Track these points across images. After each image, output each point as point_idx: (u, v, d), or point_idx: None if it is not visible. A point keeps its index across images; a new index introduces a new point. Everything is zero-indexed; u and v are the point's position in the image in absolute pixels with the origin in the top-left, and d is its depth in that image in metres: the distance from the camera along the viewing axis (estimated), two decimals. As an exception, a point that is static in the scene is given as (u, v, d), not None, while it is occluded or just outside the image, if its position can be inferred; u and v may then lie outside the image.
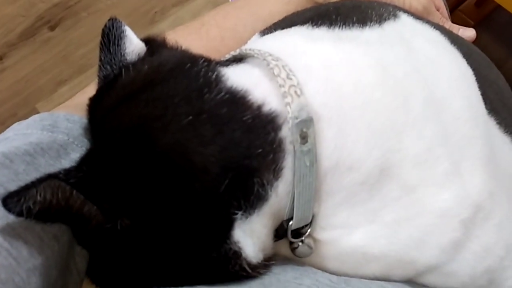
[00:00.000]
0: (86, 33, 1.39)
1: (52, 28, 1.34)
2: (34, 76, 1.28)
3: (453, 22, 0.63)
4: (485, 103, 0.38)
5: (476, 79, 0.38)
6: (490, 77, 0.44)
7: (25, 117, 0.38)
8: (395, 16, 0.39)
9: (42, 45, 1.30)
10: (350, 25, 0.37)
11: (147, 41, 0.37)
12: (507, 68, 1.04)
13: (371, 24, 0.37)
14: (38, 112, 0.38)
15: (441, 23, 0.57)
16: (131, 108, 0.31)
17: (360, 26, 0.37)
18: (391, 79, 0.33)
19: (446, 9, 0.75)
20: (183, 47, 0.38)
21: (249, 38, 0.46)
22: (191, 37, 0.50)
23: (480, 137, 0.35)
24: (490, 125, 0.38)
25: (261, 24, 0.49)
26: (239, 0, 0.55)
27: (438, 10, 0.60)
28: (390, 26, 0.38)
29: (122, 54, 0.35)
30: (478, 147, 0.35)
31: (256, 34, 0.46)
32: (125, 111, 0.31)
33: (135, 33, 0.37)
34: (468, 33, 0.57)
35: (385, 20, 0.38)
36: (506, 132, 0.39)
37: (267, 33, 0.44)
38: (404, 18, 0.40)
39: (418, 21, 0.41)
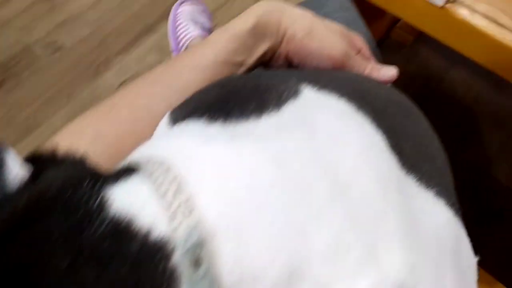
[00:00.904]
0: (29, 93, 1.35)
1: (-7, 93, 1.30)
2: (-21, 145, 1.23)
3: (392, 39, 0.62)
4: (403, 162, 0.37)
5: (390, 137, 0.37)
6: (407, 129, 0.43)
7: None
8: (296, 92, 0.38)
9: (-16, 111, 1.26)
10: (247, 115, 0.35)
11: (33, 159, 0.35)
12: (448, 80, 1.05)
13: (269, 110, 0.36)
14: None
15: (362, 67, 0.56)
16: (10, 250, 0.29)
17: (257, 115, 0.35)
18: (288, 174, 0.32)
19: (372, 40, 0.74)
20: (90, 140, 0.36)
21: (165, 113, 0.44)
22: (100, 123, 0.48)
23: (392, 210, 0.34)
24: (407, 187, 0.37)
25: (178, 96, 0.47)
26: (153, 73, 0.53)
27: (359, 51, 0.59)
28: (289, 108, 0.36)
29: (2, 185, 0.32)
30: (391, 222, 0.33)
31: (165, 117, 0.44)
32: (2, 253, 0.29)
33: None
34: (389, 72, 0.57)
35: (284, 101, 0.37)
36: (428, 186, 0.38)
37: (177, 113, 0.42)
38: (305, 93, 0.38)
39: (321, 92, 0.39)
